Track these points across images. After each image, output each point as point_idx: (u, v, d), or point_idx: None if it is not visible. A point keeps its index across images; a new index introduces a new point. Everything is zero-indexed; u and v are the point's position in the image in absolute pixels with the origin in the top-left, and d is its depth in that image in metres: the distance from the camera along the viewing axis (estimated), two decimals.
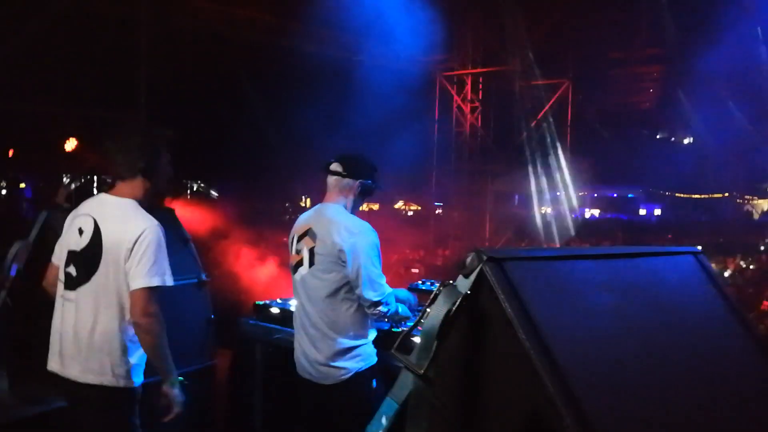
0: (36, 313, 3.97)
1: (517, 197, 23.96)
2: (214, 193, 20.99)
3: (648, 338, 1.82)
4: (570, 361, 1.62)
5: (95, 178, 16.75)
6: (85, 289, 2.84)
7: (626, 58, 15.39)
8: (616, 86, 17.02)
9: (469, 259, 1.78)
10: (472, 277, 1.76)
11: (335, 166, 3.39)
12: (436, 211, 20.23)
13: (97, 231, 2.84)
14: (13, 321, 3.91)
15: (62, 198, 7.62)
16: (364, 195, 3.42)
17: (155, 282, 2.80)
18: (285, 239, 3.71)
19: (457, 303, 1.75)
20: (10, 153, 14.11)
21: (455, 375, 1.79)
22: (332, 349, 3.19)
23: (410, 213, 23.05)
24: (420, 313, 1.93)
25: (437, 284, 4.02)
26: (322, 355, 3.22)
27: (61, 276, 2.94)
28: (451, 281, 1.82)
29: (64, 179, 15.48)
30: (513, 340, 1.65)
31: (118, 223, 2.84)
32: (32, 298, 3.96)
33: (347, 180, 3.36)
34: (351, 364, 3.19)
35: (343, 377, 3.19)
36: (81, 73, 11.71)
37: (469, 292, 1.75)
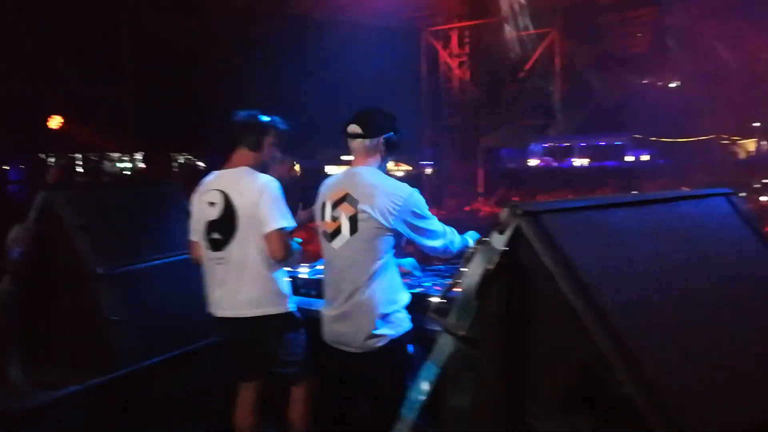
0: (43, 296, 3.93)
1: (505, 151, 23.89)
2: (201, 165, 20.81)
3: (690, 283, 1.78)
4: (617, 312, 1.57)
5: (81, 156, 16.60)
6: (230, 247, 3.41)
7: (615, 3, 15.18)
8: (604, 33, 16.83)
9: (504, 215, 1.72)
10: (508, 232, 1.70)
11: (353, 128, 3.20)
12: (426, 171, 20.14)
13: (226, 198, 3.40)
14: (19, 306, 3.84)
15: (54, 177, 7.52)
16: (390, 150, 3.25)
17: (283, 224, 3.36)
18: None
19: (495, 261, 1.69)
20: None
21: (497, 335, 1.74)
22: (369, 316, 3.07)
23: (400, 173, 22.93)
24: (454, 274, 1.86)
25: None
26: (358, 324, 3.10)
27: (206, 244, 3.49)
28: (486, 239, 1.75)
29: (49, 159, 15.31)
30: (556, 294, 1.60)
31: (241, 186, 3.42)
32: (38, 281, 3.91)
33: (369, 140, 3.19)
34: (387, 331, 3.08)
35: (379, 344, 3.08)
36: (62, 48, 11.46)
37: (506, 248, 1.69)
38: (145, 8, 12.34)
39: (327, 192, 3.26)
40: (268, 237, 3.37)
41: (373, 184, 3.11)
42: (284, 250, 3.38)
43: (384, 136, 3.21)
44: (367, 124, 3.20)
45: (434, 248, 3.17)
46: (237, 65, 14.61)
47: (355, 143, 3.22)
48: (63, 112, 13.37)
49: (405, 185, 3.13)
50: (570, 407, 1.59)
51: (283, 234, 3.38)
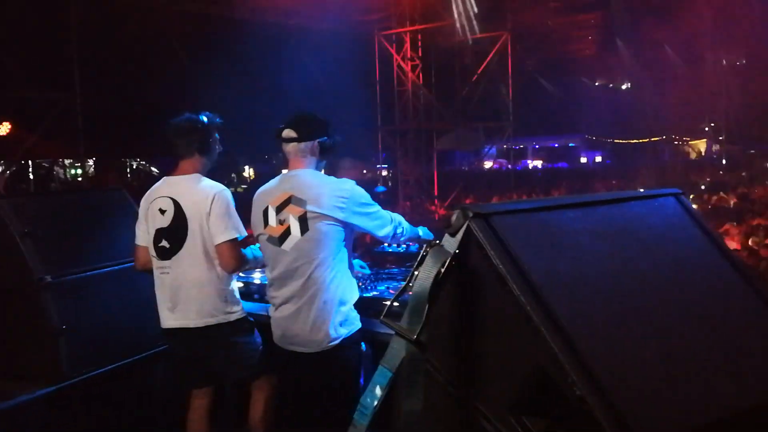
0: None
1: (459, 154, 24.05)
2: (154, 170, 20.56)
3: (642, 283, 1.78)
4: (568, 313, 1.57)
5: (30, 163, 16.22)
6: (179, 256, 3.36)
7: (564, 6, 15.38)
8: (555, 36, 17.04)
9: (454, 217, 1.71)
10: (459, 235, 1.69)
11: (287, 132, 3.27)
12: (382, 173, 20.18)
13: (177, 206, 3.36)
14: None
15: (0, 184, 7.33)
16: (325, 153, 3.33)
17: (234, 235, 3.34)
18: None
19: (446, 263, 1.68)
20: None
21: (449, 338, 1.73)
22: (324, 315, 3.10)
23: None
24: (407, 277, 1.84)
25: (404, 246, 4.03)
26: (313, 324, 3.12)
27: (153, 252, 3.44)
28: (437, 241, 1.74)
29: None
30: (508, 297, 1.59)
31: (193, 195, 3.37)
32: None
33: (304, 144, 3.25)
34: (341, 330, 3.12)
35: (334, 343, 3.11)
36: (8, 53, 11.19)
37: (457, 251, 1.69)
38: (94, 12, 12.11)
39: (266, 198, 3.27)
40: (219, 248, 3.34)
41: (317, 184, 3.18)
42: (235, 261, 3.36)
43: (318, 139, 3.28)
44: (301, 129, 3.27)
45: (386, 235, 3.26)
46: (188, 70, 14.43)
47: (290, 147, 3.28)
48: (11, 118, 13.06)
49: (345, 180, 3.21)
50: (522, 409, 1.59)
51: (235, 245, 3.36)
